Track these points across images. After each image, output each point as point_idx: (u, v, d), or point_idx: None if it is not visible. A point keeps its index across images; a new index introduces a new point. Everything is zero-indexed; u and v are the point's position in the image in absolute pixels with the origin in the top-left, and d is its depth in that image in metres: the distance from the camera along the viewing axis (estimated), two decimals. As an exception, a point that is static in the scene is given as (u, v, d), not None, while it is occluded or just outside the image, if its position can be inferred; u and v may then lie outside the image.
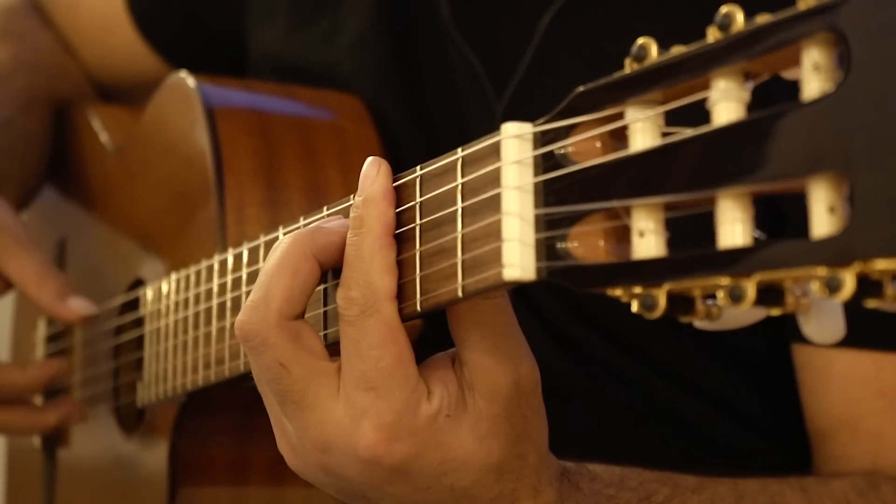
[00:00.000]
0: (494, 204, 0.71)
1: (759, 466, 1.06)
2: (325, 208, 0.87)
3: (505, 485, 0.81)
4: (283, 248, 0.81)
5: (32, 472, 1.50)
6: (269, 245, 0.94)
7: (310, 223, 0.86)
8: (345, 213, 0.83)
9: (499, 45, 1.20)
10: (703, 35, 0.63)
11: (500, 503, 0.81)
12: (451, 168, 0.75)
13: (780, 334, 1.10)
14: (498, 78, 1.19)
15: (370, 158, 0.81)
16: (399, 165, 1.22)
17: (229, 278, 1.01)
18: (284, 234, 0.89)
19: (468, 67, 1.20)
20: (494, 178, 0.71)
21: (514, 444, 0.80)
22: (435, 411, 0.79)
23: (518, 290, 0.77)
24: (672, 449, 1.15)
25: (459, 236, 0.74)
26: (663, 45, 0.66)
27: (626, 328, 1.12)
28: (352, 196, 0.81)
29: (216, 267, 1.04)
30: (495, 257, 0.70)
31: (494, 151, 0.71)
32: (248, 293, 0.97)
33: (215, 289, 1.04)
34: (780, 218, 0.91)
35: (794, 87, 0.61)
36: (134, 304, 1.25)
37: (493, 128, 0.72)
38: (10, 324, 1.62)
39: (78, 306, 1.29)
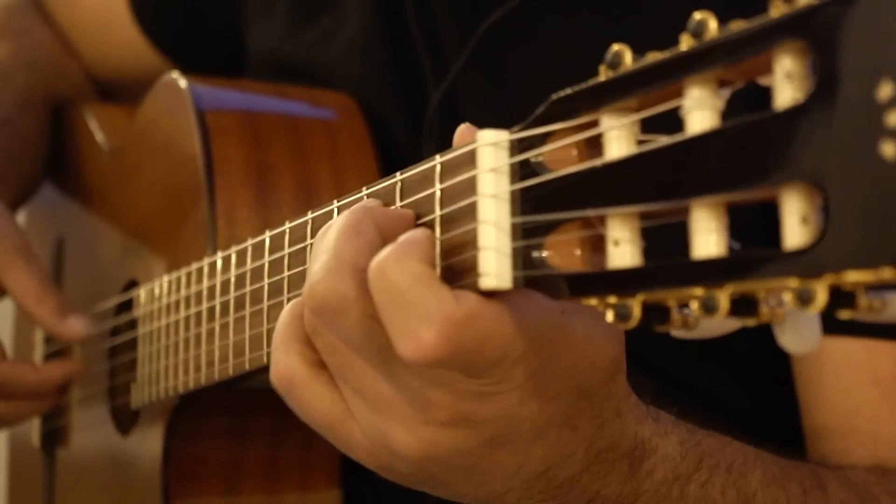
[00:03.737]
0: (471, 212, 0.70)
1: None
2: (364, 188, 0.82)
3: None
4: (343, 218, 0.74)
5: (33, 471, 1.50)
6: (256, 248, 0.94)
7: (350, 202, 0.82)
8: (379, 194, 0.80)
9: (443, 45, 1.21)
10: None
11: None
12: (429, 175, 0.74)
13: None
14: (439, 79, 1.20)
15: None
16: (398, 165, 1.22)
17: (218, 280, 1.01)
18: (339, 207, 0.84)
19: (420, 66, 1.21)
20: (471, 186, 0.70)
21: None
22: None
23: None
24: None
25: (438, 244, 0.73)
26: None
27: None
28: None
29: (206, 269, 1.04)
30: (472, 266, 0.69)
31: (471, 159, 0.70)
32: (236, 297, 0.97)
33: (205, 291, 1.03)
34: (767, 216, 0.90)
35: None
36: (128, 305, 1.25)
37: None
38: (11, 323, 1.61)
39: (77, 325, 1.28)
